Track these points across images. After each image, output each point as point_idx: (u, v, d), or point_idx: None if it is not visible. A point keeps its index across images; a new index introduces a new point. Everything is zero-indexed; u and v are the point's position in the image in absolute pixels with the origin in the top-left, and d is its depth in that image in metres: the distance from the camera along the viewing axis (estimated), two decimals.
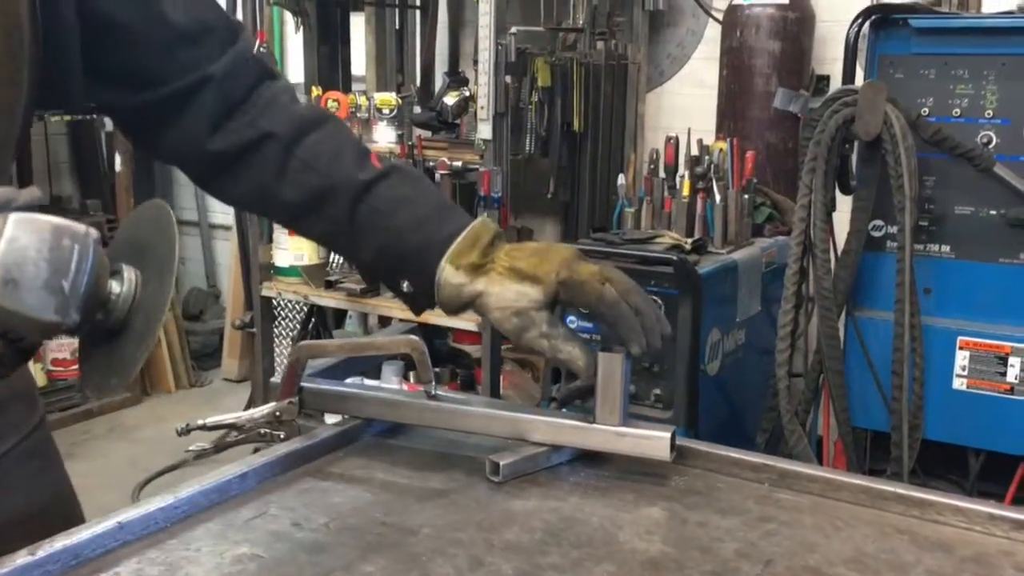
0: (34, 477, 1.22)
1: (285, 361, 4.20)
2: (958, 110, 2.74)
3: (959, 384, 2.77)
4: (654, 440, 1.16)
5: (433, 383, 1.22)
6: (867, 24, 2.80)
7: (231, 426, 1.28)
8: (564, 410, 1.26)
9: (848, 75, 2.85)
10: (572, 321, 2.95)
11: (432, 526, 1.02)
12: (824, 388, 2.93)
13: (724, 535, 1.03)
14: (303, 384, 1.25)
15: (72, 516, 1.27)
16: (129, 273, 0.83)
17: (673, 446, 1.16)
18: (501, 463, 1.15)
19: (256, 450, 1.26)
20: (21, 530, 1.04)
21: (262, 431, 1.29)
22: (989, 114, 2.71)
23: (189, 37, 1.19)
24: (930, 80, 2.76)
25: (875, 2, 3.09)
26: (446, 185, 3.81)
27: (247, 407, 4.46)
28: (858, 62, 2.91)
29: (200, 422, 1.28)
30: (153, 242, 0.92)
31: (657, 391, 2.98)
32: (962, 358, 2.76)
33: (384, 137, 3.99)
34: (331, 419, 1.33)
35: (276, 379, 3.93)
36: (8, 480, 1.17)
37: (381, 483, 1.13)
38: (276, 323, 4.74)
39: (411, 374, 4.07)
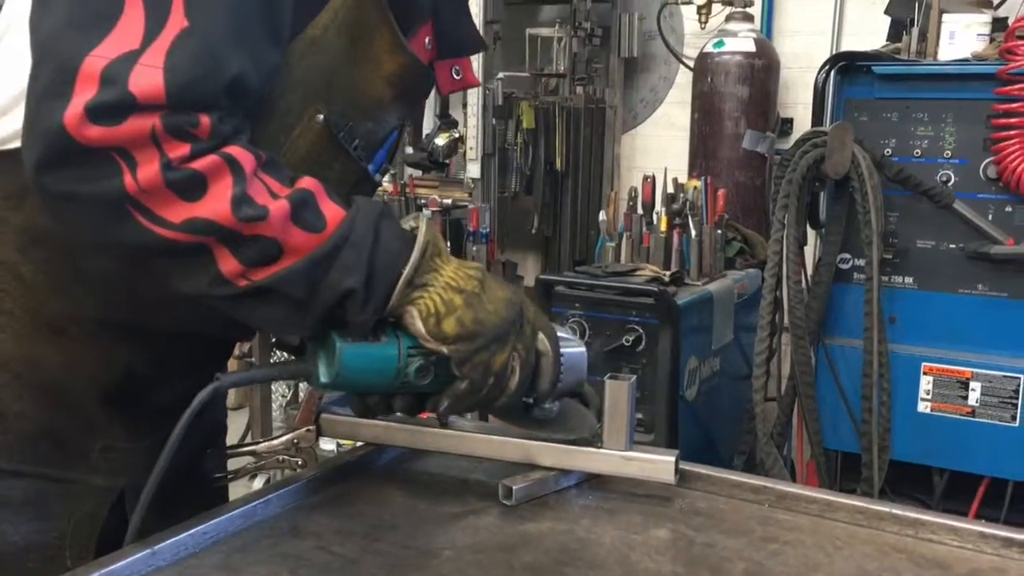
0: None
1: (286, 390, 4.16)
2: (919, 150, 2.77)
3: (924, 407, 2.78)
4: (659, 464, 1.15)
5: None
6: (834, 70, 2.83)
7: (250, 453, 1.26)
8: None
9: (816, 118, 2.87)
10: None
11: (453, 548, 1.01)
12: (797, 412, 2.93)
13: (732, 555, 1.01)
14: (321, 412, 1.23)
15: None
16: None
17: (677, 469, 1.15)
18: (514, 487, 1.13)
19: (267, 480, 1.23)
20: None
21: (280, 458, 1.27)
22: (948, 154, 2.74)
23: None
24: (892, 123, 2.79)
25: (839, 51, 3.13)
26: (436, 222, 3.80)
27: (244, 434, 4.41)
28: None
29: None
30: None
31: (639, 415, 2.97)
32: (926, 383, 2.77)
33: None
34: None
35: (276, 408, 3.89)
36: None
37: (401, 507, 1.11)
38: (274, 351, 4.68)
39: None
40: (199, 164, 0.88)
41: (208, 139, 0.89)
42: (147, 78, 0.85)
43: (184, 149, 0.87)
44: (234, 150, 0.91)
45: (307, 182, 0.96)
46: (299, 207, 0.93)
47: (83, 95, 0.83)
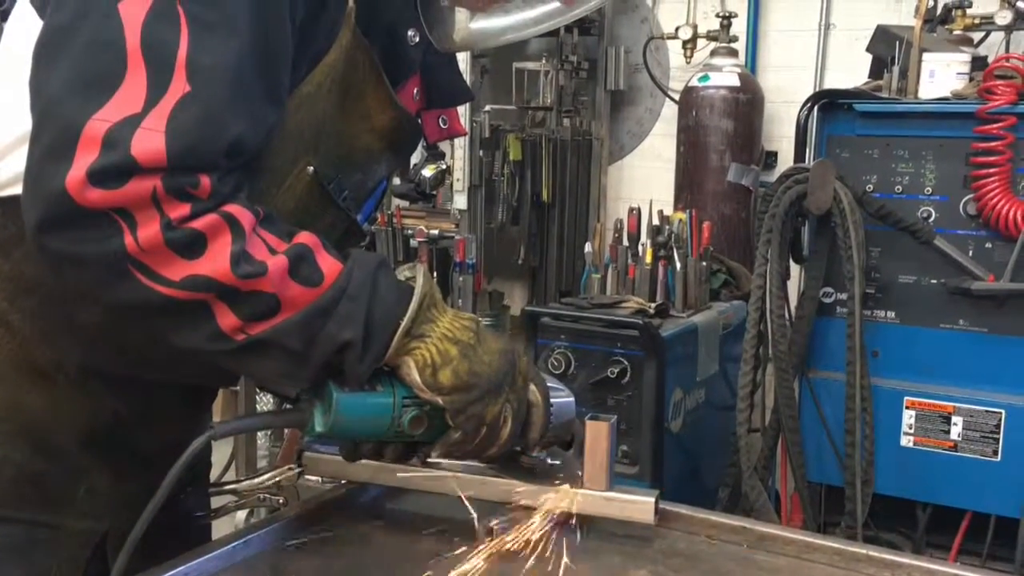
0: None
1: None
2: (900, 187, 2.79)
3: (906, 441, 2.79)
4: (639, 504, 1.15)
5: None
6: (816, 107, 2.86)
7: (232, 492, 1.26)
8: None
9: (799, 154, 2.90)
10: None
11: None
12: (781, 445, 2.94)
13: None
14: (304, 451, 1.23)
15: None
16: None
17: (657, 509, 1.16)
18: (493, 526, 1.13)
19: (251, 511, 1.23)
20: None
21: (261, 496, 1.27)
22: (928, 191, 2.76)
23: None
24: (874, 159, 2.82)
25: (822, 86, 3.16)
26: (423, 252, 3.81)
27: (228, 464, 4.38)
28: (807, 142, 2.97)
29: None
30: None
31: (624, 447, 2.96)
32: (909, 417, 2.78)
33: None
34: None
35: (261, 440, 3.87)
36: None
37: (381, 546, 1.12)
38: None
39: None
40: (199, 223, 0.89)
41: (208, 199, 0.90)
42: (149, 142, 0.86)
43: (184, 209, 0.88)
44: (233, 208, 0.92)
45: (305, 237, 0.97)
46: (297, 262, 0.94)
47: (85, 159, 0.84)
